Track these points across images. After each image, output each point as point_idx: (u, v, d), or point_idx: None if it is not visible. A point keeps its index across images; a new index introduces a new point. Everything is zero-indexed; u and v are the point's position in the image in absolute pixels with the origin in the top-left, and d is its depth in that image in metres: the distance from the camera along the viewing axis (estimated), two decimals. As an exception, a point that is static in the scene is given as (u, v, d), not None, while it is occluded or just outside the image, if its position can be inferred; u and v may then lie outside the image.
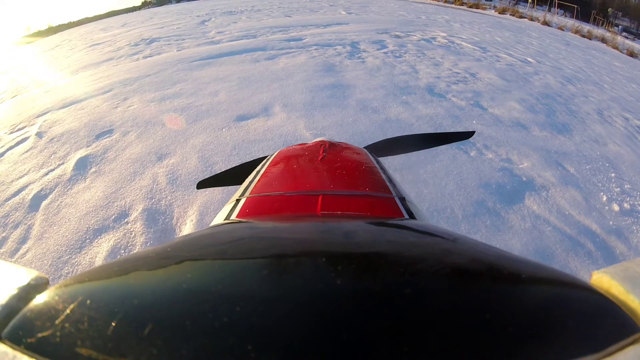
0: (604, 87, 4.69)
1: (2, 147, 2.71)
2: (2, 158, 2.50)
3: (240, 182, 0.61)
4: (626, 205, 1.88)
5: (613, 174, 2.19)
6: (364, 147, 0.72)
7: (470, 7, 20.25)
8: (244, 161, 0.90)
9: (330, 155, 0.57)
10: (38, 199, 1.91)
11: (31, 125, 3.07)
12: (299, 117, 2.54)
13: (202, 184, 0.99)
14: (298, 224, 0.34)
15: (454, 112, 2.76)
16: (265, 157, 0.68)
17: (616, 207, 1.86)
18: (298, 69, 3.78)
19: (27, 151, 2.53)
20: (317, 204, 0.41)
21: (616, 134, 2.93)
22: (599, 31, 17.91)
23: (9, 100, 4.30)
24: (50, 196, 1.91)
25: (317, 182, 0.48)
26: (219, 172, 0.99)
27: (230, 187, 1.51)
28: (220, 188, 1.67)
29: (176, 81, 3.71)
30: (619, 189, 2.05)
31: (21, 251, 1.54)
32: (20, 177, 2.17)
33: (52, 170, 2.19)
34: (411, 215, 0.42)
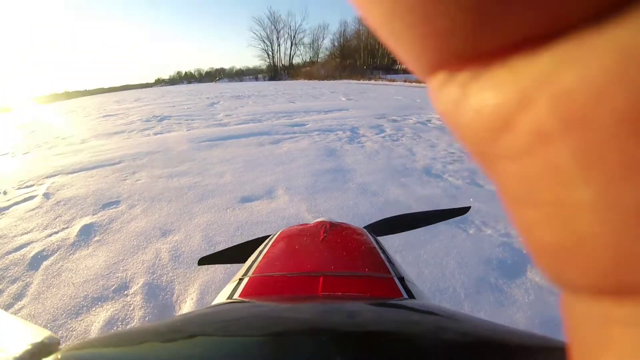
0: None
1: (8, 200, 2.80)
2: (7, 211, 2.58)
3: (242, 261, 0.62)
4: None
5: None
6: (364, 227, 0.75)
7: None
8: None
9: (331, 236, 0.59)
10: (39, 258, 1.95)
11: (39, 184, 3.18)
12: (301, 200, 2.66)
13: (204, 261, 0.98)
14: (299, 304, 0.36)
15: (451, 192, 2.86)
16: (268, 236, 0.71)
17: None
18: (301, 153, 3.99)
19: (32, 209, 2.61)
20: (319, 284, 0.42)
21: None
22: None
23: (20, 156, 4.46)
24: (52, 258, 1.96)
25: (319, 262, 0.49)
26: (221, 249, 0.99)
27: (231, 266, 1.59)
28: (222, 267, 1.74)
29: (184, 160, 3.91)
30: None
31: (16, 307, 1.55)
32: (24, 234, 2.22)
33: (56, 232, 2.25)
34: (410, 295, 0.43)
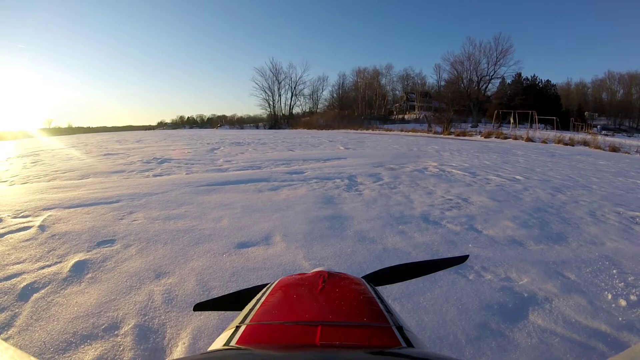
0: (593, 188, 5.05)
1: (3, 228, 2.80)
2: (1, 239, 2.58)
3: (239, 308, 0.63)
4: (633, 297, 1.92)
5: (615, 271, 2.25)
6: (362, 277, 0.76)
7: (458, 135, 22.80)
8: (241, 288, 0.90)
9: (329, 286, 0.59)
10: (29, 290, 1.93)
11: (36, 216, 3.19)
12: (299, 247, 2.65)
13: (200, 307, 0.94)
14: (297, 353, 0.36)
15: (450, 238, 2.85)
16: (266, 284, 0.71)
17: (623, 302, 1.88)
18: (299, 201, 4.01)
19: (27, 240, 2.61)
20: (317, 334, 0.43)
21: (611, 230, 3.08)
22: (579, 136, 18.92)
23: (19, 185, 4.50)
24: (42, 291, 1.93)
25: (317, 312, 0.50)
26: (217, 296, 0.96)
27: (225, 313, 1.58)
28: (216, 313, 1.72)
29: (182, 203, 3.93)
30: (622, 283, 2.09)
31: (2, 336, 1.52)
32: (16, 264, 2.21)
33: (49, 266, 2.23)
34: (409, 344, 0.43)
